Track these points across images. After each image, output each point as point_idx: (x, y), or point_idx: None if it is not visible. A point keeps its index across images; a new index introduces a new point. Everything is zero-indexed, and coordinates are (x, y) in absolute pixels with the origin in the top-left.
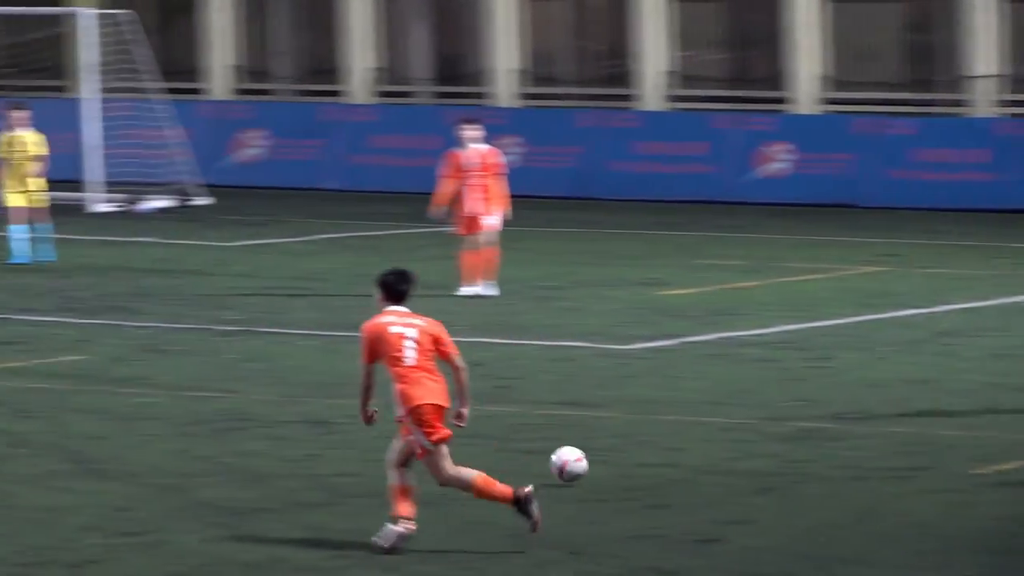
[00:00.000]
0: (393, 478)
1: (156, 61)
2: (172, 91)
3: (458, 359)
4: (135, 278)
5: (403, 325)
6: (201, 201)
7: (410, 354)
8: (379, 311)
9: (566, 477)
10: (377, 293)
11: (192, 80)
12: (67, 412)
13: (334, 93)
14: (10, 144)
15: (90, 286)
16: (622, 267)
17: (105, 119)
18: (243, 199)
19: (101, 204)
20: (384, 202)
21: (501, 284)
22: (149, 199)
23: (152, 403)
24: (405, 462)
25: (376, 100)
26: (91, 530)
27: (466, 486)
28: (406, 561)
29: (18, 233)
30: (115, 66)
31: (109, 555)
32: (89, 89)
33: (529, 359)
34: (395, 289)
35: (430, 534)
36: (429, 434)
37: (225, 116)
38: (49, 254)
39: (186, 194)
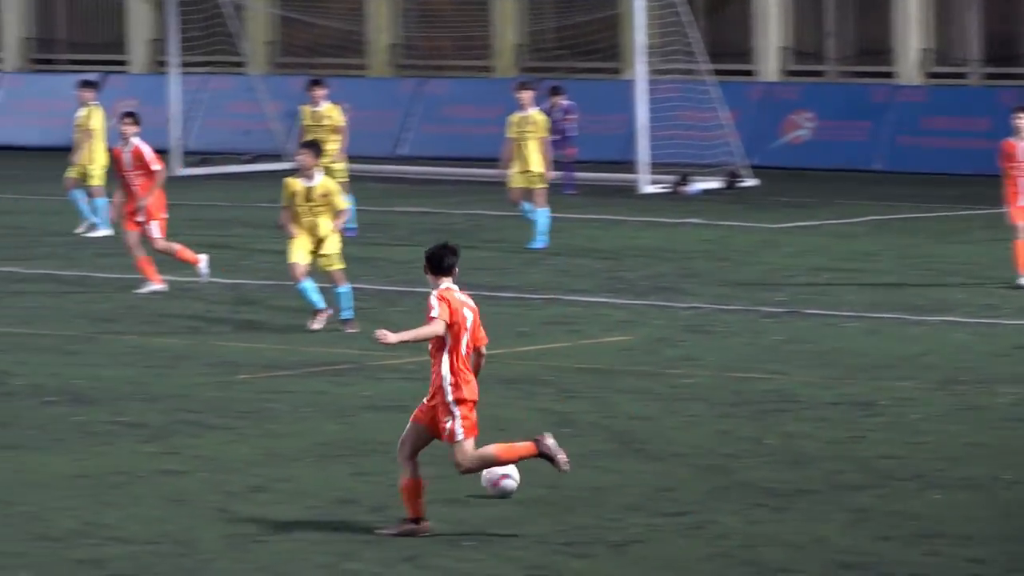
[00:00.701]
0: (407, 472)
1: (705, 42)
2: (721, 72)
3: (484, 347)
4: (682, 259)
5: (466, 306)
6: (749, 183)
7: (465, 342)
8: (432, 285)
9: (494, 493)
10: (425, 266)
11: (742, 62)
12: (612, 392)
13: (884, 74)
14: (519, 125)
15: (638, 267)
16: None
17: (655, 100)
18: (790, 180)
19: (650, 185)
20: (932, 184)
21: None
22: (697, 180)
23: (697, 384)
24: (415, 453)
25: (926, 81)
26: (635, 510)
27: (491, 461)
28: (950, 544)
29: (528, 209)
30: (665, 47)
31: (652, 535)
32: (640, 71)
33: None
34: (441, 263)
35: (974, 518)
36: (468, 429)
37: (774, 98)
38: (540, 241)
39: (734, 176)
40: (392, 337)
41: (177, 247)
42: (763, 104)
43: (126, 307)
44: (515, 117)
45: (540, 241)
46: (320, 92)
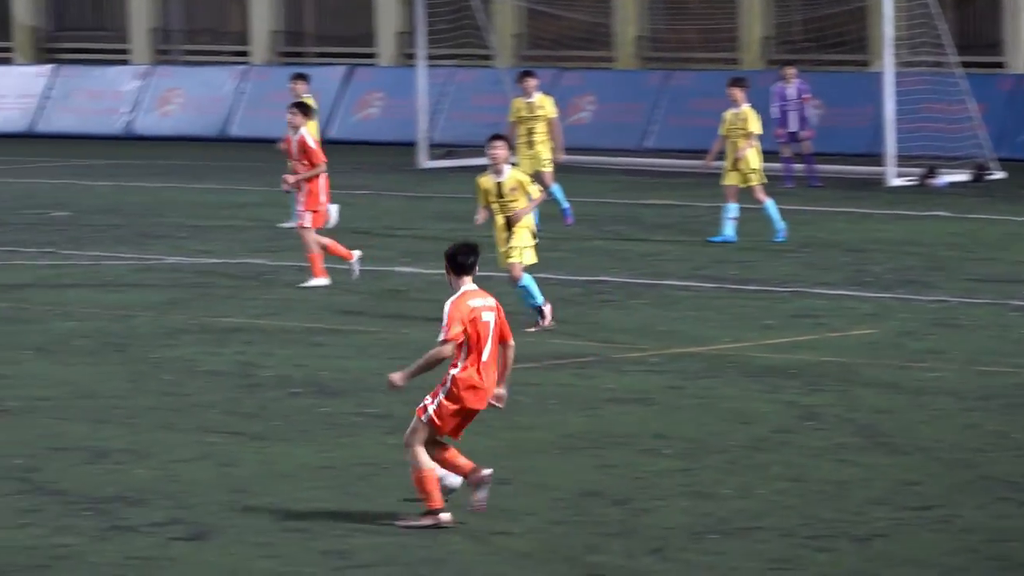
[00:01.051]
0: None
1: (953, 34)
2: (969, 65)
3: (511, 339)
4: (929, 252)
5: (485, 310)
6: (997, 176)
7: (488, 347)
8: (452, 286)
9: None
10: (446, 267)
11: (991, 54)
12: (858, 385)
13: None
14: (732, 122)
15: (884, 260)
16: None
17: (902, 92)
18: None
19: (897, 178)
20: None
21: None
22: (944, 173)
23: (943, 377)
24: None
25: None
26: (880, 504)
27: (416, 466)
28: None
29: (731, 212)
30: (913, 39)
31: (897, 529)
32: (888, 63)
33: None
34: (461, 262)
35: None
36: (447, 430)
37: (1023, 90)
38: (779, 234)
39: (982, 168)
40: (399, 378)
41: (315, 251)
42: (1013, 96)
43: (371, 299)
44: (728, 114)
45: (780, 234)
46: (532, 83)
